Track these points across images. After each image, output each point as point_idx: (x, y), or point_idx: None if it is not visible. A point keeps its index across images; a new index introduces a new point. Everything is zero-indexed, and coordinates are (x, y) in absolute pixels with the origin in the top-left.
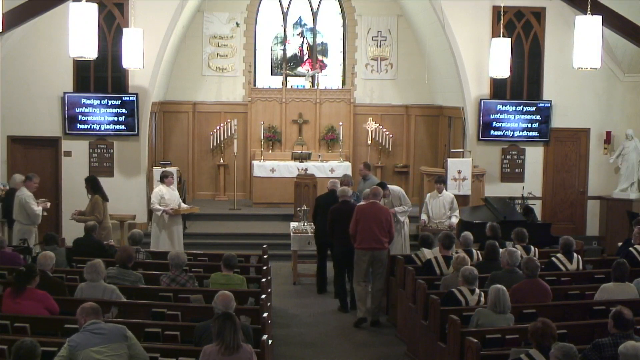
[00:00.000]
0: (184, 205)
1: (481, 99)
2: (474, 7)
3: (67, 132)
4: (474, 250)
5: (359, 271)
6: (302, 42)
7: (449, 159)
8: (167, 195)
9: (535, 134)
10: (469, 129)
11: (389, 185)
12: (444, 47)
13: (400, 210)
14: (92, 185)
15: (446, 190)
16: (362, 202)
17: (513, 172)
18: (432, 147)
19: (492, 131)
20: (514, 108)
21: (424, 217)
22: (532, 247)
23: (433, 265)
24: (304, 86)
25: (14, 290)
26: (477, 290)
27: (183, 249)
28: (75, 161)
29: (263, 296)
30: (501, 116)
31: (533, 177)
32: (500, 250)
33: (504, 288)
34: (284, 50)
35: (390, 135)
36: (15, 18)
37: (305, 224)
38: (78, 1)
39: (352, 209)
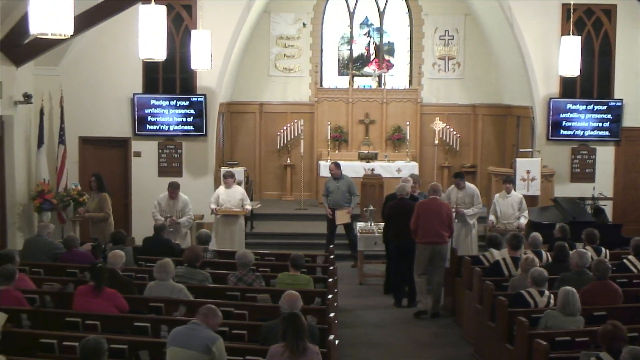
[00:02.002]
0: (246, 206)
1: (550, 98)
2: (543, 6)
3: (137, 132)
4: (543, 252)
5: (418, 265)
6: (369, 41)
7: (517, 159)
8: (223, 195)
9: (606, 133)
10: (537, 129)
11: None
12: (511, 46)
13: (469, 214)
14: (100, 183)
15: (515, 190)
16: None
17: (583, 172)
18: (499, 147)
19: (561, 130)
20: (584, 107)
21: (492, 217)
22: (603, 249)
23: (501, 266)
24: (370, 86)
25: (93, 289)
26: (547, 292)
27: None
28: (145, 161)
29: (329, 296)
30: (571, 115)
31: (604, 177)
32: (570, 251)
33: (574, 290)
34: (351, 50)
35: (458, 135)
36: (86, 21)
37: (372, 224)
38: (147, 3)
39: (408, 207)
